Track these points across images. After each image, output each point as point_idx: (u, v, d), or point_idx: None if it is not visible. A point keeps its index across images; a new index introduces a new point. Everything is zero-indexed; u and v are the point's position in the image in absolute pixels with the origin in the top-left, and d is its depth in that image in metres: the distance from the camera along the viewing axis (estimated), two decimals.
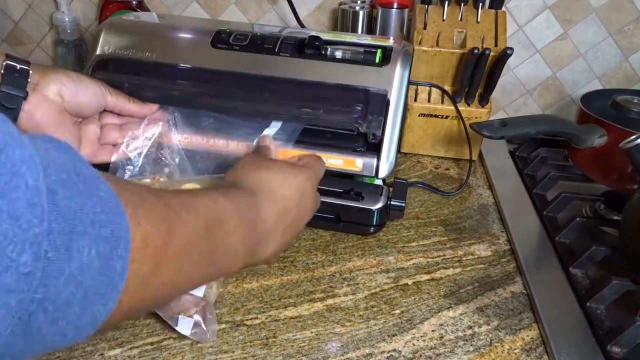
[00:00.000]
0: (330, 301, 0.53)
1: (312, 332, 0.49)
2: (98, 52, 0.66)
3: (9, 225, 0.19)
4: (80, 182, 0.24)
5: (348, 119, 0.59)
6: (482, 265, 0.60)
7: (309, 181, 0.48)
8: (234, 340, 0.48)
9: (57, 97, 0.50)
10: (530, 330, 0.51)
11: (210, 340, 0.47)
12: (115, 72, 0.65)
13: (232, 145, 0.59)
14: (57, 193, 0.22)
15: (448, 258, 0.61)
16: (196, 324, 0.47)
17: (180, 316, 0.47)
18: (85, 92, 0.52)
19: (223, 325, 0.49)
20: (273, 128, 0.59)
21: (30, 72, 0.49)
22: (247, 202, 0.41)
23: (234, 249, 0.38)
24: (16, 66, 0.48)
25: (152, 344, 0.47)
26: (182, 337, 0.48)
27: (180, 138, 0.60)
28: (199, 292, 0.47)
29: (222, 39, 0.64)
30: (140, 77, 0.63)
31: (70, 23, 1.03)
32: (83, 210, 0.23)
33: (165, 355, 0.46)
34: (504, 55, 0.73)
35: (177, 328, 0.47)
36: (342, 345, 0.48)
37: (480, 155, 0.85)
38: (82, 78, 0.53)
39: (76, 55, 1.05)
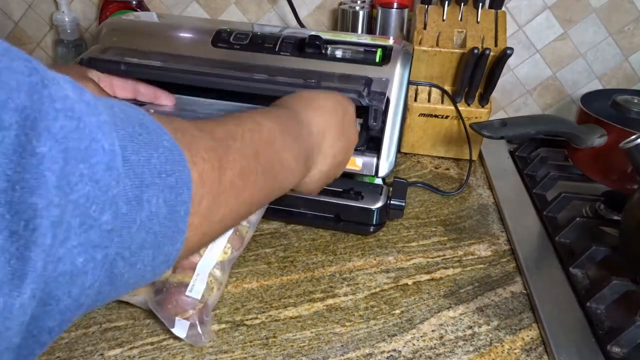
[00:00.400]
0: (330, 301, 0.53)
1: (312, 332, 0.49)
2: (98, 52, 0.65)
3: (91, 187, 0.21)
4: (145, 133, 0.25)
5: (351, 89, 0.57)
6: (482, 265, 0.60)
7: (350, 103, 0.50)
8: (234, 340, 0.48)
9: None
10: (530, 330, 0.51)
11: (204, 343, 0.47)
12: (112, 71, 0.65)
13: None
14: (126, 148, 0.23)
15: (448, 258, 0.61)
16: (192, 326, 0.46)
17: (177, 318, 0.46)
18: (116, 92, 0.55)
19: (223, 325, 0.49)
20: None
21: None
22: (290, 117, 0.42)
23: (287, 165, 0.39)
24: None
25: (152, 344, 0.47)
26: None
27: None
28: (197, 294, 0.47)
29: (222, 38, 0.64)
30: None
31: (70, 23, 1.03)
32: (150, 161, 0.24)
33: (165, 355, 0.46)
34: (504, 55, 0.73)
35: (173, 330, 0.46)
36: (342, 345, 0.48)
37: (480, 155, 0.85)
38: (114, 82, 0.55)
39: (76, 55, 1.05)
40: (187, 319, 0.46)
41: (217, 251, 0.50)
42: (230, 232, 0.51)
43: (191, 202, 0.27)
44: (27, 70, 0.20)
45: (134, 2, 0.95)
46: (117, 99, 0.26)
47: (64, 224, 0.20)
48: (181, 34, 0.66)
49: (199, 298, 0.47)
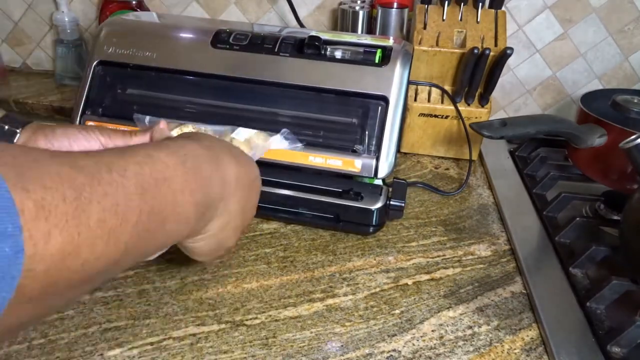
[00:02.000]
0: (330, 301, 0.53)
1: (311, 332, 0.49)
2: (98, 52, 0.66)
3: None
4: None
5: (346, 144, 0.60)
6: (482, 265, 0.60)
7: (259, 186, 0.47)
8: (234, 340, 0.48)
9: None
10: (530, 330, 0.51)
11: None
12: (114, 75, 0.65)
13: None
14: None
15: (448, 258, 0.61)
16: None
17: None
18: (74, 143, 0.47)
19: (223, 325, 0.49)
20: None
21: (18, 133, 0.46)
22: (205, 155, 0.37)
23: (183, 212, 0.33)
24: (3, 127, 0.46)
25: (152, 344, 0.47)
26: (182, 337, 0.48)
27: None
28: None
29: (222, 38, 0.64)
30: (138, 81, 0.64)
31: (70, 23, 1.03)
32: None
33: (165, 355, 0.46)
34: (504, 55, 0.73)
35: None
36: (342, 345, 0.48)
37: (480, 155, 0.85)
38: (70, 132, 0.48)
39: (76, 55, 1.05)
40: None
41: None
42: None
43: (22, 236, 0.21)
44: None
45: (133, 2, 0.95)
46: None
47: None
48: (181, 35, 0.66)
49: None
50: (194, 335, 0.48)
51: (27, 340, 0.47)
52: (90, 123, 0.64)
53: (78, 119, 0.64)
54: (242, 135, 0.55)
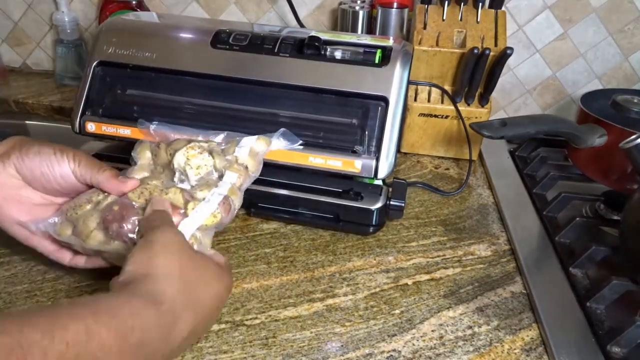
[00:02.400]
0: (330, 301, 0.53)
1: (311, 332, 0.49)
2: (98, 52, 0.66)
3: None
4: None
5: (346, 144, 0.60)
6: (482, 265, 0.60)
7: (229, 287, 0.44)
8: (234, 340, 0.48)
9: (14, 174, 0.48)
10: (530, 330, 0.51)
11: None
12: (114, 75, 0.66)
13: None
14: None
15: (448, 258, 0.61)
16: None
17: None
18: (45, 163, 0.48)
19: (223, 326, 0.49)
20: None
21: None
22: (151, 326, 0.34)
23: None
24: None
25: None
26: None
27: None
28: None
29: (221, 39, 0.64)
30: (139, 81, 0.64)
31: (70, 23, 1.03)
32: None
33: None
34: (504, 55, 0.73)
35: None
36: (342, 345, 0.48)
37: (480, 155, 0.85)
38: (44, 151, 0.48)
39: (76, 55, 1.05)
40: None
41: (205, 214, 0.48)
42: (221, 198, 0.49)
43: None
44: None
45: (133, 2, 0.95)
46: None
47: None
48: (181, 35, 0.66)
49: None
50: None
51: None
52: (90, 124, 0.64)
53: (78, 119, 0.64)
54: (245, 151, 0.55)
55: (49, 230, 0.49)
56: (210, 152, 0.52)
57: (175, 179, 0.51)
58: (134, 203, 0.48)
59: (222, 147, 0.55)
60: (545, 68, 0.94)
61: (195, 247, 0.46)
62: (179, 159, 0.51)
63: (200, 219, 0.47)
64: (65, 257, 0.51)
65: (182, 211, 0.47)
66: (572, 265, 0.58)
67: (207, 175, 0.52)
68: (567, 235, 0.63)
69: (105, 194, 0.49)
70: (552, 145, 0.84)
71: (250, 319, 0.51)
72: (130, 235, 0.46)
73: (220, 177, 0.52)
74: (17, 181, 0.48)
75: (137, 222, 0.46)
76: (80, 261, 0.51)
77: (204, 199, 0.49)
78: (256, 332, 0.49)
